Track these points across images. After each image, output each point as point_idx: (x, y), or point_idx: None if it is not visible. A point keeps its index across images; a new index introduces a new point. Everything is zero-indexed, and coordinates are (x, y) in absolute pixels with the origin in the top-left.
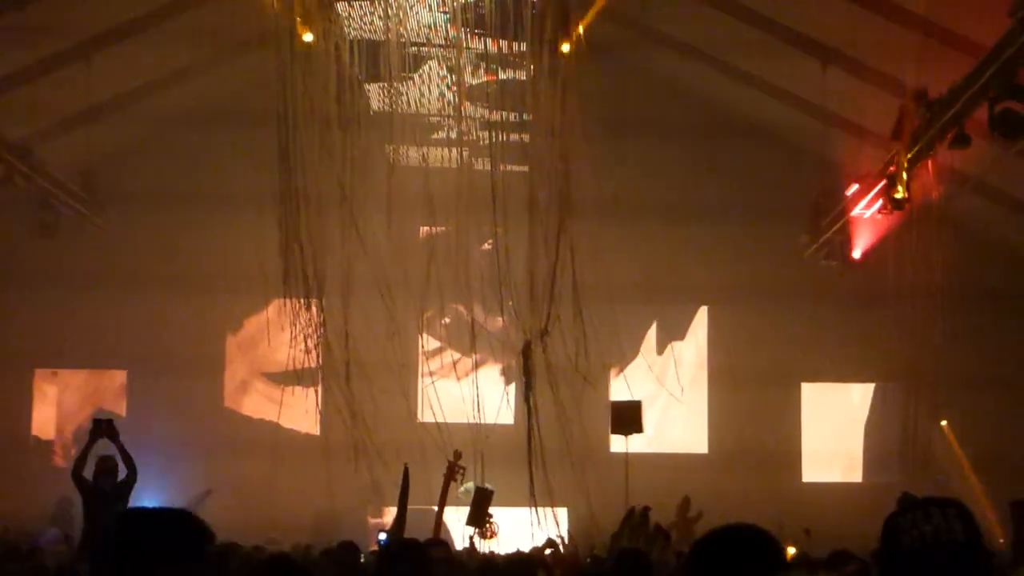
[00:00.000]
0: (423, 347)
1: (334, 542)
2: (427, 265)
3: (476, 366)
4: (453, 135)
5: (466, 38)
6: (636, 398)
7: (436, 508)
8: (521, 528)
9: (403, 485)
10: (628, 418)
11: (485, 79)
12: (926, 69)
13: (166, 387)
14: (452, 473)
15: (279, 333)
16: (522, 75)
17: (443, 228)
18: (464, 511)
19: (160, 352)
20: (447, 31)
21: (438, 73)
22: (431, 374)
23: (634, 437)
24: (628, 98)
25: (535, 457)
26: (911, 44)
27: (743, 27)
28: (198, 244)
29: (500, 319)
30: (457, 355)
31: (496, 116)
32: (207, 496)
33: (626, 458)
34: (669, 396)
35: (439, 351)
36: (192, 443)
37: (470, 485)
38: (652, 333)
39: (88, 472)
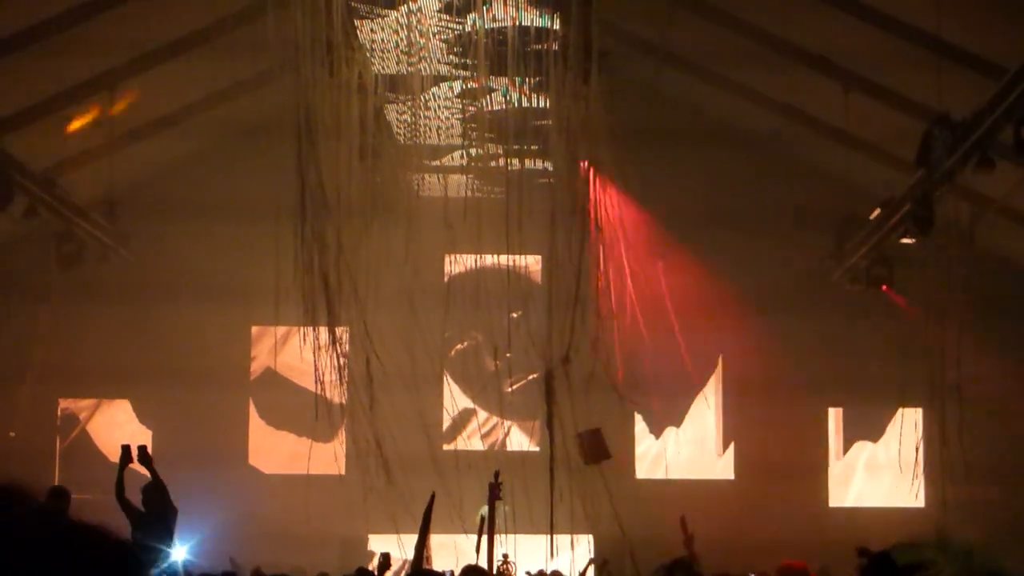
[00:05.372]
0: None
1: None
2: (447, 294)
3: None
4: (470, 162)
5: (487, 66)
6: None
7: (477, 536)
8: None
9: (426, 513)
10: (596, 447)
11: (505, 106)
12: (949, 92)
13: (191, 416)
14: (495, 494)
15: (305, 360)
16: (543, 101)
17: (464, 256)
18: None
19: (184, 379)
20: (467, 58)
21: (460, 101)
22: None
23: (658, 464)
24: (651, 121)
25: (560, 484)
26: (934, 67)
27: (765, 51)
28: (222, 268)
29: (508, 353)
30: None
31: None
32: None
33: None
34: (693, 420)
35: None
36: (218, 471)
37: (484, 510)
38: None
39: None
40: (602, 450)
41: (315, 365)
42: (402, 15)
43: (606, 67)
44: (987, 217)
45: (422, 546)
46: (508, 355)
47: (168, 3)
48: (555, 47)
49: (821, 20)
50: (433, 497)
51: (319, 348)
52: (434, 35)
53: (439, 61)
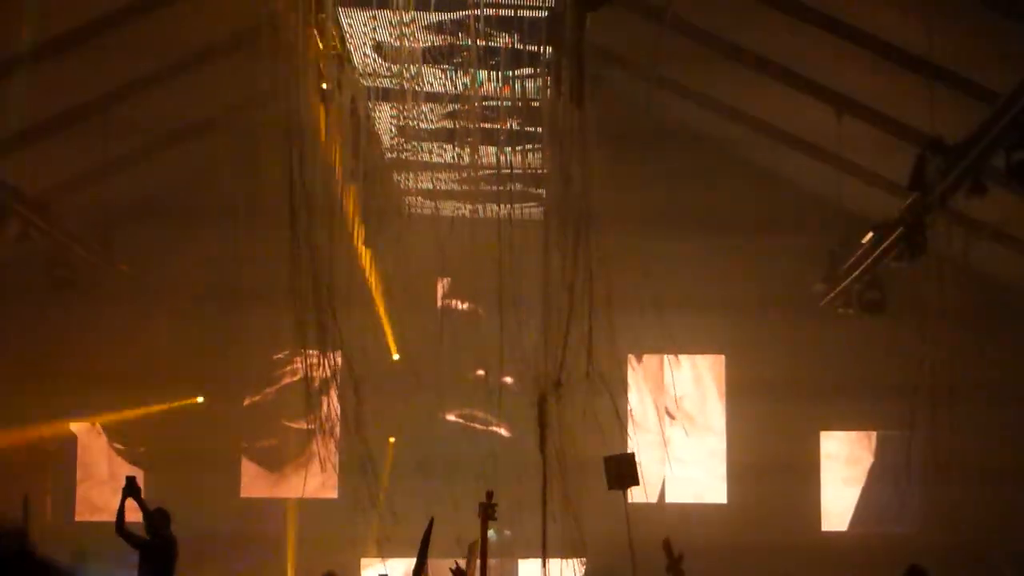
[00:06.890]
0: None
1: None
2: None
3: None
4: (461, 184)
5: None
6: (629, 451)
7: (468, 560)
8: None
9: (425, 537)
10: (623, 472)
11: (499, 125)
12: (943, 117)
13: (183, 439)
14: (487, 515)
15: (296, 386)
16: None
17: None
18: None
19: (176, 400)
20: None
21: (452, 123)
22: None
23: (654, 488)
24: (640, 146)
25: (553, 506)
26: (927, 92)
27: (758, 75)
28: (221, 286)
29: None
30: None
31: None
32: None
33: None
34: (688, 444)
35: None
36: (211, 500)
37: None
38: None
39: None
40: (630, 476)
41: (307, 388)
42: (394, 35)
43: (601, 90)
44: (980, 242)
45: (419, 572)
46: (505, 379)
47: (163, 26)
48: (548, 71)
49: (813, 43)
50: (432, 522)
51: (310, 371)
52: (424, 61)
53: (430, 84)
